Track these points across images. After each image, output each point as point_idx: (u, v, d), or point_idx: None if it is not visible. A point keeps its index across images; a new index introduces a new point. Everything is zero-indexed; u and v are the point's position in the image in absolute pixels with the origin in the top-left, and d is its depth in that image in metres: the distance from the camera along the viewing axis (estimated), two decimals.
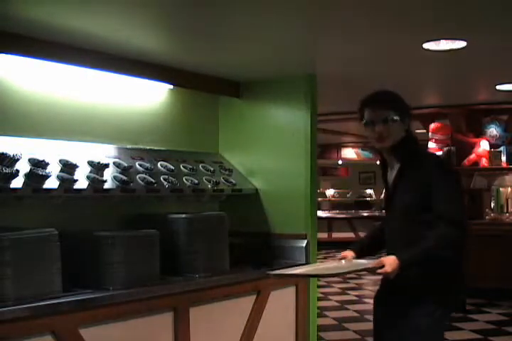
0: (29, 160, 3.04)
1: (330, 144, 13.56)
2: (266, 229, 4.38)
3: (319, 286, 6.32)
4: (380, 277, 2.82)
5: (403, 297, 2.72)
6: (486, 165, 7.34)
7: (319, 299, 5.45)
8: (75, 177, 3.16)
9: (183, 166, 3.91)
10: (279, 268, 3.10)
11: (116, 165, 3.49)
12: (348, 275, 9.42)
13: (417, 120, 8.09)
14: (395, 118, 2.73)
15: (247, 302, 3.84)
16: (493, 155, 7.28)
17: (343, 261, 2.91)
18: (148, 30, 3.20)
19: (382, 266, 2.61)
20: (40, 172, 2.98)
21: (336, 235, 12.68)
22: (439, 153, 7.52)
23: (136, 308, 3.15)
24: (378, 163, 3.03)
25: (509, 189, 7.42)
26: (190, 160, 4.04)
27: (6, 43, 3.07)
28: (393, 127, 2.73)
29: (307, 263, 4.21)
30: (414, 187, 2.70)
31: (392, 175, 2.84)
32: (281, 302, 4.10)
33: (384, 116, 2.73)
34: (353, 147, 14.28)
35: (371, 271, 2.71)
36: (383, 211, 3.04)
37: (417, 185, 2.68)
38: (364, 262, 2.80)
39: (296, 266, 4.14)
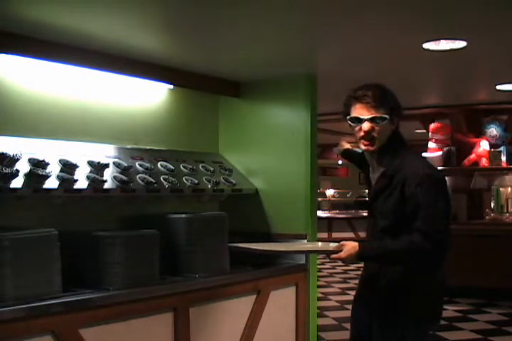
0: (29, 160, 3.03)
1: (330, 144, 13.57)
2: (266, 229, 4.38)
3: (319, 286, 6.32)
4: None
5: (377, 305, 2.62)
6: (486, 165, 7.33)
7: (319, 299, 5.44)
8: (75, 177, 3.16)
9: (183, 166, 3.91)
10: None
11: (116, 165, 3.49)
12: (348, 275, 9.44)
13: (417, 120, 8.11)
14: (385, 116, 2.52)
15: (247, 302, 3.84)
16: (493, 155, 7.28)
17: (305, 241, 2.83)
18: (148, 30, 3.20)
19: (341, 251, 2.51)
20: (40, 172, 2.97)
21: (336, 235, 12.67)
22: (439, 153, 7.53)
23: (136, 308, 3.15)
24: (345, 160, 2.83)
25: (509, 189, 7.42)
26: (190, 160, 4.04)
27: (6, 43, 3.07)
28: (382, 127, 2.53)
29: (307, 262, 4.22)
30: (395, 205, 2.50)
31: (374, 177, 2.66)
32: (281, 302, 4.10)
33: (373, 113, 2.51)
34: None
35: (327, 253, 2.61)
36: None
37: (399, 202, 2.49)
38: (329, 245, 2.70)
39: (295, 265, 4.19)
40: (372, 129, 2.53)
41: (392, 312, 2.57)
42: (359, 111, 2.54)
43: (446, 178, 7.45)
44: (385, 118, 2.53)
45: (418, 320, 2.58)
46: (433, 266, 2.56)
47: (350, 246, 2.51)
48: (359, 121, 2.54)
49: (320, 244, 3.01)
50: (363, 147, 2.60)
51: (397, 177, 2.52)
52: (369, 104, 2.52)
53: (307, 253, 4.02)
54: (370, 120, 2.52)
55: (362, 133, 2.55)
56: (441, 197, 2.49)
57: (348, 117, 2.60)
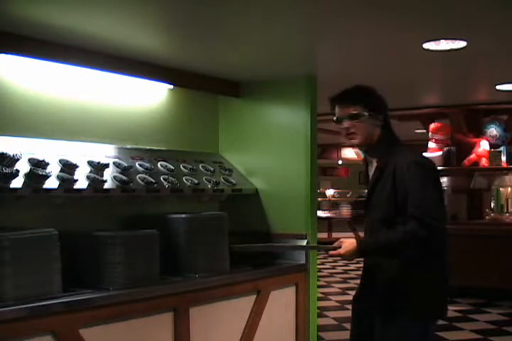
0: (29, 160, 3.03)
1: (330, 144, 13.56)
2: (266, 229, 4.38)
3: (319, 286, 6.32)
4: None
5: (378, 302, 2.63)
6: (486, 165, 7.33)
7: (319, 299, 5.44)
8: (75, 177, 3.16)
9: (183, 166, 3.91)
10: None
11: (116, 165, 3.49)
12: (348, 275, 9.44)
13: (417, 120, 8.11)
14: (364, 113, 2.66)
15: (247, 302, 3.84)
16: (493, 155, 7.28)
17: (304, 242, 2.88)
18: (148, 30, 3.20)
19: (339, 247, 2.59)
20: (40, 172, 2.97)
21: (336, 235, 12.68)
22: (439, 153, 7.53)
23: (136, 308, 3.15)
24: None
25: (509, 189, 7.42)
26: (190, 160, 4.04)
27: (6, 43, 3.07)
28: (361, 123, 2.67)
29: (307, 262, 4.22)
30: (389, 194, 2.56)
31: (370, 172, 2.76)
32: (281, 302, 4.10)
33: (350, 111, 2.67)
34: (353, 147, 14.28)
35: (326, 250, 2.69)
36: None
37: (392, 191, 2.55)
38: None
39: (295, 265, 4.19)
40: (351, 126, 2.68)
41: (393, 309, 2.58)
42: (338, 111, 2.73)
43: (446, 178, 7.46)
44: (363, 115, 2.67)
45: (419, 317, 2.59)
46: (435, 263, 2.58)
47: (349, 243, 2.58)
48: (339, 120, 2.72)
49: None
50: (348, 142, 2.76)
51: (388, 169, 2.61)
52: (344, 104, 2.69)
53: (306, 249, 4.06)
54: (348, 118, 2.68)
55: (345, 132, 2.72)
56: (429, 183, 2.55)
57: (334, 120, 2.76)
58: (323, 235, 12.15)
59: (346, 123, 2.68)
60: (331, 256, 2.64)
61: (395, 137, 2.77)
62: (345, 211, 15.00)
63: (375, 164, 2.72)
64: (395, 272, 2.59)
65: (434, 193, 2.54)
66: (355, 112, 2.67)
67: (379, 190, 2.64)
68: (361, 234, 2.70)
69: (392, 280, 2.59)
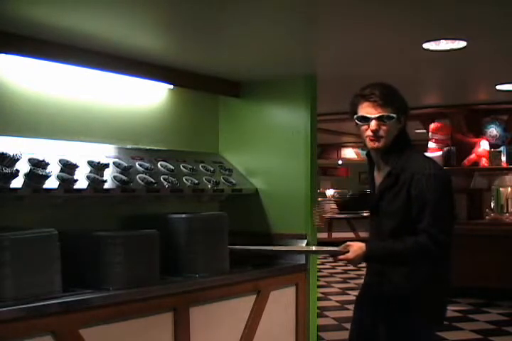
0: (29, 160, 3.03)
1: (330, 144, 13.57)
2: (266, 229, 4.38)
3: (319, 286, 6.31)
4: None
5: (383, 306, 2.61)
6: (486, 165, 7.34)
7: (319, 299, 5.44)
8: (75, 177, 3.16)
9: (183, 166, 3.91)
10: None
11: (116, 165, 3.49)
12: (348, 276, 9.43)
13: (417, 120, 8.11)
14: (392, 115, 2.51)
15: (247, 302, 3.84)
16: (493, 155, 7.28)
17: (313, 247, 2.86)
18: (148, 30, 3.20)
19: (347, 252, 2.50)
20: (40, 172, 2.97)
21: (335, 235, 12.68)
22: (439, 153, 7.53)
23: (136, 308, 3.15)
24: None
25: (509, 189, 7.42)
26: (190, 160, 4.04)
27: (6, 43, 3.07)
28: (389, 125, 2.52)
29: (307, 262, 4.22)
30: (404, 205, 2.50)
31: (379, 176, 2.65)
32: (281, 302, 4.10)
33: (381, 112, 2.50)
34: (353, 147, 14.28)
35: (334, 254, 2.59)
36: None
37: (407, 201, 2.49)
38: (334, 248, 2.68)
39: (295, 265, 4.19)
40: (379, 128, 2.52)
41: (396, 313, 2.56)
42: (366, 109, 2.54)
43: None
44: (392, 117, 2.53)
45: (423, 321, 2.57)
46: (439, 268, 2.56)
47: (357, 247, 2.50)
48: (366, 119, 2.54)
49: (314, 247, 3.00)
50: (369, 145, 2.58)
51: (404, 177, 2.52)
52: (376, 103, 2.52)
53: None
54: (378, 119, 2.52)
55: (369, 132, 2.54)
56: (446, 197, 2.51)
57: (355, 116, 2.59)
58: (323, 235, 12.15)
59: (374, 125, 2.51)
60: (339, 260, 2.56)
61: (409, 141, 2.65)
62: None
63: (384, 167, 2.62)
64: (400, 276, 2.56)
65: (449, 208, 2.51)
66: (387, 114, 2.51)
67: (391, 198, 2.55)
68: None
69: (397, 284, 2.57)
